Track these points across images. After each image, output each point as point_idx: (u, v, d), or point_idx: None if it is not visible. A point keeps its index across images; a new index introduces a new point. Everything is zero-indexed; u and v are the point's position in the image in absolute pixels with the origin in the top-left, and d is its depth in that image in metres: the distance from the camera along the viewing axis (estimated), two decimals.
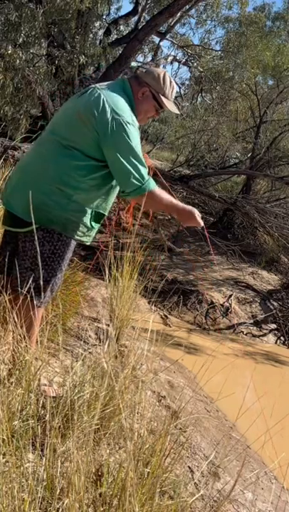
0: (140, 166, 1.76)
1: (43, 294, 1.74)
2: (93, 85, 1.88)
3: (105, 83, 1.91)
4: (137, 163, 1.75)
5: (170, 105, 1.96)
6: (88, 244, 1.95)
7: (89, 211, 1.82)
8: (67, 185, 1.74)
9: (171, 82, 1.96)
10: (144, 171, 1.77)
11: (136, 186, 1.76)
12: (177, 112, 2.05)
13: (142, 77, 1.92)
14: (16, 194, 1.81)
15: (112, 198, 1.93)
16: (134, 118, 1.81)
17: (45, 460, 1.27)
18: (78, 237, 1.83)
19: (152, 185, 1.79)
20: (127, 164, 1.73)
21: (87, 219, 1.82)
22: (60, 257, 1.80)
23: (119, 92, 1.84)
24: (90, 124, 1.73)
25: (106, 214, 1.91)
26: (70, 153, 1.75)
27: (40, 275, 1.63)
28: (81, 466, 1.20)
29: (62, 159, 1.75)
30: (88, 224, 1.83)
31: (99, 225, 1.94)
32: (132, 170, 1.74)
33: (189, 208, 1.90)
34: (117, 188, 1.91)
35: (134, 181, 1.75)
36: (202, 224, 1.90)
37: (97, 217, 1.88)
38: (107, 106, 1.74)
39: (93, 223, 1.86)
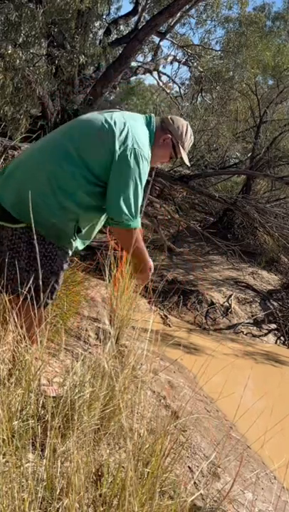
0: (138, 203, 1.79)
1: (42, 294, 1.72)
2: (119, 111, 1.90)
3: (131, 113, 1.94)
4: (138, 199, 1.78)
5: (184, 156, 2.02)
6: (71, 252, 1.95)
7: (73, 223, 1.80)
8: (63, 191, 1.73)
9: (191, 135, 2.04)
10: (138, 208, 1.80)
11: (127, 219, 1.77)
12: (188, 164, 2.15)
13: (167, 124, 1.98)
14: (7, 186, 1.79)
15: (98, 227, 1.96)
16: (150, 156, 1.84)
17: (45, 460, 1.27)
18: (61, 244, 1.81)
19: (139, 224, 1.83)
20: (130, 195, 1.75)
21: (70, 230, 1.80)
22: (51, 259, 1.78)
23: (143, 126, 1.88)
24: (108, 145, 1.74)
25: (86, 238, 1.92)
26: (76, 162, 1.74)
27: (40, 275, 1.62)
28: (81, 466, 1.20)
29: (67, 165, 1.73)
30: (72, 235, 1.82)
31: (82, 241, 1.94)
32: (131, 203, 1.75)
33: (151, 263, 1.98)
34: (102, 219, 1.94)
35: (128, 214, 1.76)
36: (147, 281, 2.01)
37: (78, 231, 1.87)
38: (130, 134, 1.76)
39: (77, 236, 1.85)
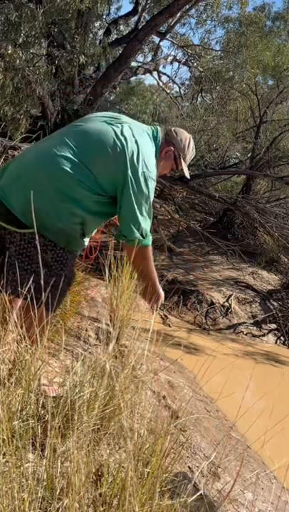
0: (149, 221, 1.84)
1: (49, 297, 1.69)
2: (125, 119, 1.91)
3: (138, 124, 1.94)
4: (147, 217, 1.83)
5: (185, 168, 2.05)
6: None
7: (79, 226, 1.82)
8: (71, 199, 1.74)
9: (193, 148, 2.08)
10: (149, 227, 1.86)
11: (138, 236, 1.82)
12: (188, 176, 2.14)
13: (171, 137, 2.01)
14: (15, 191, 1.76)
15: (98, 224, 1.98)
16: (156, 173, 1.88)
17: (45, 460, 1.27)
18: (71, 249, 1.83)
19: (150, 242, 1.87)
20: (139, 214, 1.79)
21: (77, 233, 1.82)
22: (63, 264, 1.80)
23: (150, 142, 1.91)
24: (120, 166, 1.77)
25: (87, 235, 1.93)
26: (85, 173, 1.75)
27: (41, 276, 1.61)
28: (82, 466, 1.20)
29: (76, 175, 1.74)
30: (79, 238, 1.85)
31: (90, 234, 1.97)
32: (140, 221, 1.80)
33: (161, 291, 2.00)
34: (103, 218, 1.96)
35: (138, 232, 1.81)
36: (157, 308, 2.02)
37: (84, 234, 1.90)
38: (140, 156, 1.79)
39: (81, 239, 1.88)
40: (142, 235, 1.82)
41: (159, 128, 2.01)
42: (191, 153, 2.08)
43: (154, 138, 1.95)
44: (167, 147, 1.99)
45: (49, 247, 1.74)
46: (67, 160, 1.75)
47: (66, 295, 1.90)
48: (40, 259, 1.57)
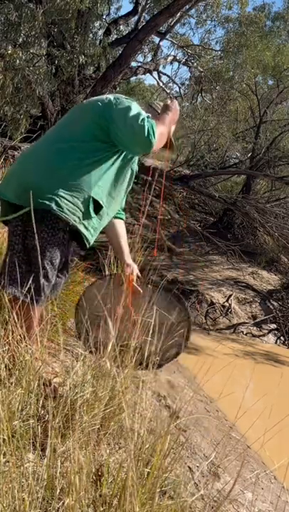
0: (139, 115, 1.75)
1: (29, 287, 1.65)
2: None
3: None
4: (135, 114, 1.75)
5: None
6: (88, 245, 1.86)
7: (83, 194, 1.73)
8: (62, 166, 1.73)
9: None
10: (142, 116, 1.75)
11: (141, 126, 1.73)
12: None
13: (153, 106, 2.05)
14: (10, 181, 1.79)
15: (114, 194, 1.88)
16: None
17: (46, 460, 1.27)
18: (74, 222, 1.71)
19: (153, 126, 1.76)
20: (128, 114, 1.75)
21: (79, 201, 1.72)
22: (48, 243, 1.71)
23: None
24: (92, 109, 1.80)
25: (103, 205, 1.82)
26: (66, 139, 1.79)
27: (35, 268, 1.61)
28: (83, 466, 1.20)
29: (61, 145, 1.77)
30: (82, 207, 1.73)
31: (99, 222, 1.86)
32: (131, 116, 1.74)
33: (172, 110, 2.00)
34: (121, 190, 1.92)
35: (138, 122, 1.73)
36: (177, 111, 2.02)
37: (95, 206, 1.79)
38: (111, 96, 1.82)
39: (91, 211, 1.77)
40: (142, 124, 1.72)
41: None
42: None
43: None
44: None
45: (39, 228, 1.65)
46: (51, 140, 1.82)
47: (51, 285, 1.79)
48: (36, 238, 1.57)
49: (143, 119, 1.73)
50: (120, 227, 2.15)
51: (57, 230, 1.72)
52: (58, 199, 1.67)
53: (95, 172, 1.76)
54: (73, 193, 1.71)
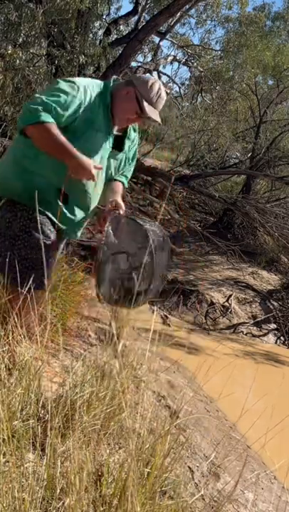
0: (43, 98, 1.70)
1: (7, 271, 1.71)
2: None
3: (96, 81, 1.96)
4: (42, 96, 1.71)
5: (152, 112, 1.87)
6: (70, 237, 1.96)
7: (42, 181, 1.79)
8: (19, 156, 1.83)
9: (159, 90, 1.88)
10: (44, 101, 1.69)
11: (24, 112, 1.71)
12: (158, 120, 1.91)
13: (132, 78, 1.93)
14: None
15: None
16: (83, 84, 1.81)
17: (46, 460, 1.27)
18: (41, 208, 1.73)
19: (45, 118, 1.68)
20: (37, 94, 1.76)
21: (39, 187, 1.74)
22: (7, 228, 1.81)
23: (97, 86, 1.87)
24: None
25: (61, 188, 1.78)
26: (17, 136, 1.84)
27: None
28: (84, 466, 1.20)
29: (16, 142, 1.88)
30: (46, 196, 1.77)
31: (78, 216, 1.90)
32: (39, 98, 1.72)
33: (83, 159, 1.73)
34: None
35: (28, 108, 1.71)
36: (94, 175, 1.76)
37: (58, 194, 1.78)
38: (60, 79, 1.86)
39: (54, 199, 1.79)
40: (32, 109, 1.67)
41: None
42: (155, 95, 1.87)
43: (106, 83, 1.90)
44: (127, 87, 1.88)
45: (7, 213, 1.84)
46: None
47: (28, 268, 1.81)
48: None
49: (34, 103, 1.70)
50: (116, 185, 2.05)
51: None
52: (21, 191, 1.82)
53: (45, 160, 1.80)
54: (33, 182, 1.80)
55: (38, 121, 1.68)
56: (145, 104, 1.85)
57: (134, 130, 2.06)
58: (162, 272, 1.90)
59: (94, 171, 1.75)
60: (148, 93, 1.86)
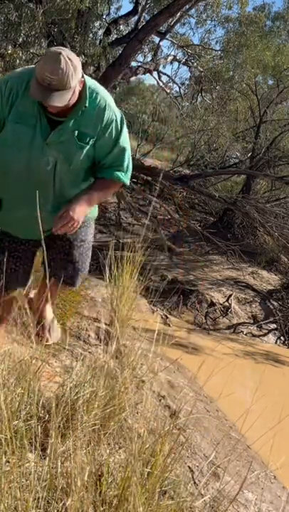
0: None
1: None
2: None
3: None
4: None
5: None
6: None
7: None
8: None
9: (45, 62, 1.50)
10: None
11: None
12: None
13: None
14: None
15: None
16: (5, 79, 1.68)
17: (47, 460, 1.27)
18: None
19: None
20: None
21: None
22: None
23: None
24: None
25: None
26: None
27: None
28: (85, 466, 1.20)
29: None
30: None
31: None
32: None
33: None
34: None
35: None
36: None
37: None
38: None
39: None
40: None
41: None
42: (40, 68, 1.52)
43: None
44: None
45: None
46: None
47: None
48: None
49: None
50: (94, 184, 1.83)
51: None
52: None
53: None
54: None
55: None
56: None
57: (105, 109, 1.74)
58: None
59: None
60: (37, 69, 1.53)
